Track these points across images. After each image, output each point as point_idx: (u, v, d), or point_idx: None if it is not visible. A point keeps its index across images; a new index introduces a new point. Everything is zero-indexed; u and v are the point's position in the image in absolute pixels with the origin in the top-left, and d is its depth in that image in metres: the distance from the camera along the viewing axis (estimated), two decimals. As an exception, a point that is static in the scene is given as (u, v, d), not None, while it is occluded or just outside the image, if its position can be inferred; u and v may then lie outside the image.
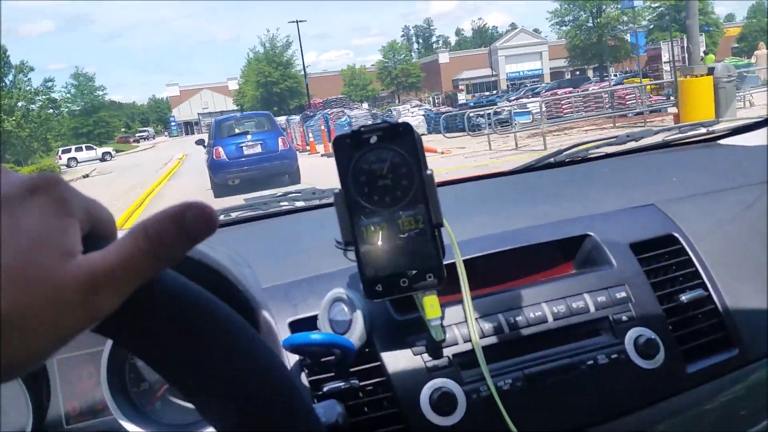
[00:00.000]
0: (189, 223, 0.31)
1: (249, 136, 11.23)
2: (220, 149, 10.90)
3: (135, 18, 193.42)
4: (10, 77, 38.75)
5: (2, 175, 0.30)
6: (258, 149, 11.03)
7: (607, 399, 0.75)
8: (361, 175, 0.66)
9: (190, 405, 0.83)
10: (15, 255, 0.27)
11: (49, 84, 45.15)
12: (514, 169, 1.58)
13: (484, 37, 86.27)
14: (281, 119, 29.11)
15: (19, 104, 37.04)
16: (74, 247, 0.29)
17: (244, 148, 10.95)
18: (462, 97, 40.12)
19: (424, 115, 21.18)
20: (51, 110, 44.42)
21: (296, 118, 27.64)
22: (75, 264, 0.28)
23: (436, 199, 0.66)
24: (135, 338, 0.34)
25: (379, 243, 0.66)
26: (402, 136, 0.66)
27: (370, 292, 0.67)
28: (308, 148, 19.19)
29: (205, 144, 12.34)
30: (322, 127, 19.49)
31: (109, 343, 0.79)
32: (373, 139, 0.66)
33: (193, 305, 0.35)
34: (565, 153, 1.54)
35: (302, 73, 51.54)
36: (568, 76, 56.40)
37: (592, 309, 0.79)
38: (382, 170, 0.66)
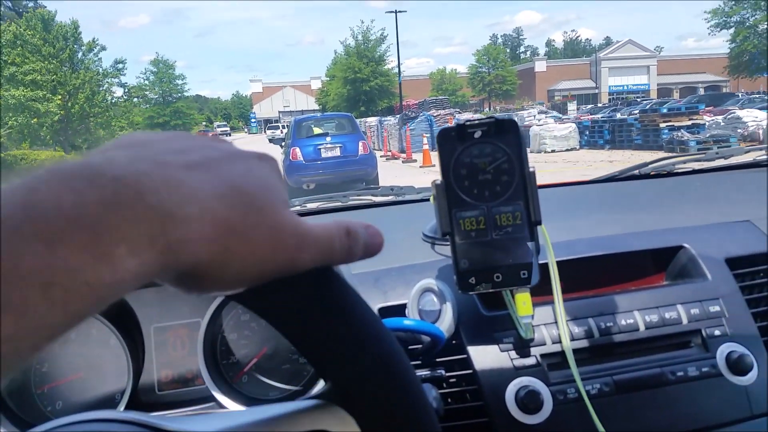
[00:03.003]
0: (370, 236, 0.40)
1: (328, 138, 11.10)
2: (298, 150, 10.83)
3: (228, 16, 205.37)
4: (80, 55, 36.77)
5: (228, 143, 0.37)
6: (337, 152, 10.91)
7: (696, 412, 0.76)
8: (463, 168, 0.71)
9: (274, 382, 0.91)
10: (250, 183, 0.32)
11: (120, 66, 42.16)
12: (597, 179, 1.61)
13: (576, 49, 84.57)
14: (372, 120, 27.39)
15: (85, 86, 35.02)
16: (288, 203, 0.35)
17: (322, 150, 10.86)
18: (572, 108, 38.39)
19: (575, 123, 18.15)
20: (122, 96, 42.86)
21: (391, 119, 25.31)
22: (292, 215, 0.34)
23: (537, 197, 0.70)
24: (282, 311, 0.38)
25: (476, 236, 0.71)
26: (506, 132, 0.71)
27: (463, 285, 0.72)
28: (401, 154, 18.35)
29: (282, 144, 12.43)
30: (407, 134, 18.31)
31: (208, 315, 0.88)
32: (478, 134, 0.71)
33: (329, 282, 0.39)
34: (651, 165, 1.57)
35: (394, 71, 49.43)
36: (676, 95, 54.19)
37: (684, 321, 0.82)
38: (484, 164, 0.71)
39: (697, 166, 1.61)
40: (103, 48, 39.32)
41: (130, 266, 0.26)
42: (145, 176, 0.27)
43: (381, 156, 19.11)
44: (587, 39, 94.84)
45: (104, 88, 37.84)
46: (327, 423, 0.39)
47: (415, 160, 15.95)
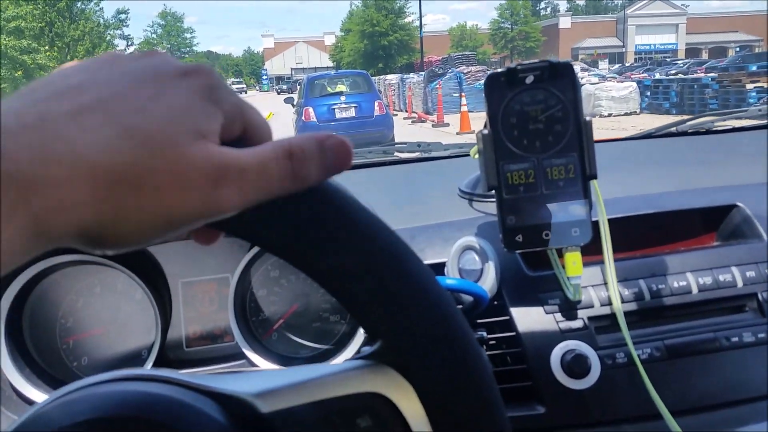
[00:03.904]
0: (329, 150, 0.33)
1: (343, 97, 10.89)
2: (311, 110, 10.60)
3: None
4: (79, 4, 34.69)
5: (162, 56, 0.32)
6: (352, 113, 10.70)
7: (750, 380, 0.74)
8: (512, 116, 0.68)
9: (304, 341, 0.90)
10: (149, 120, 0.28)
11: (122, 17, 40.30)
12: (632, 136, 1.57)
13: (598, 6, 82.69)
14: (392, 78, 25.72)
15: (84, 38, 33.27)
16: (209, 131, 0.30)
17: (336, 110, 10.67)
18: (603, 66, 37.23)
19: (637, 83, 15.77)
20: (127, 48, 41.14)
21: (414, 76, 22.96)
22: (206, 147, 0.30)
23: (593, 148, 0.67)
24: (279, 243, 0.35)
25: (524, 191, 0.68)
26: (561, 77, 0.67)
27: (509, 243, 0.69)
28: (429, 117, 16.49)
29: (294, 103, 12.16)
30: (439, 92, 16.34)
31: (238, 270, 0.86)
32: (529, 79, 0.67)
33: (347, 211, 0.36)
34: (689, 123, 1.53)
35: (414, 24, 47.31)
36: (705, 55, 52.94)
37: (740, 284, 0.79)
38: (536, 113, 0.67)
39: (737, 124, 1.56)
40: None
41: None
42: (10, 138, 0.25)
43: (404, 118, 18.11)
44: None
45: (106, 40, 36.36)
46: (379, 385, 0.37)
47: (448, 124, 14.37)
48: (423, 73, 23.07)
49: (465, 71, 18.86)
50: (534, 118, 0.67)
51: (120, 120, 0.28)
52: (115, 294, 0.89)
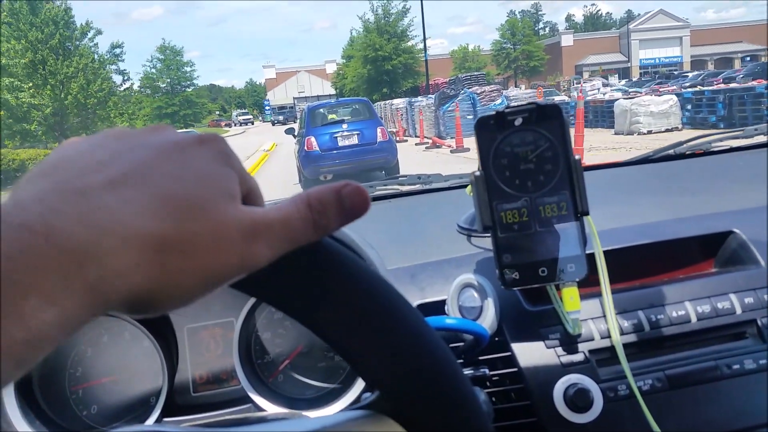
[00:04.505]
0: (346, 197, 0.36)
1: (345, 125, 10.80)
2: (313, 140, 10.53)
3: (240, 5, 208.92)
4: (72, 41, 33.96)
5: (171, 129, 0.35)
6: (354, 140, 10.50)
7: (754, 407, 0.75)
8: (503, 157, 0.71)
9: (310, 380, 0.92)
10: (183, 185, 0.30)
11: (117, 51, 39.70)
12: (630, 161, 1.59)
13: (596, 24, 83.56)
14: (399, 102, 24.97)
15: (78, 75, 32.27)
16: (237, 192, 0.33)
17: (339, 138, 10.58)
18: (614, 81, 37.39)
19: (677, 96, 14.59)
20: (122, 84, 40.40)
21: (423, 99, 22.19)
22: (237, 207, 0.32)
23: (583, 186, 0.69)
24: (282, 298, 0.37)
25: (519, 229, 0.71)
26: (549, 118, 0.70)
27: (506, 281, 0.71)
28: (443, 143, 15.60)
29: (296, 133, 12.08)
30: (457, 115, 15.37)
31: (242, 314, 0.89)
32: (518, 121, 0.70)
33: (345, 268, 0.38)
34: (686, 145, 1.56)
35: (417, 47, 46.39)
36: (711, 67, 53.08)
37: (738, 311, 0.80)
38: (526, 154, 0.70)
39: (735, 143, 1.59)
40: (99, 32, 36.83)
41: (47, 317, 0.25)
42: (55, 214, 0.26)
43: (417, 144, 17.61)
44: (608, 13, 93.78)
45: (101, 76, 35.29)
46: None
47: (468, 149, 13.63)
48: (431, 96, 22.30)
49: (478, 92, 18.49)
50: (524, 159, 0.70)
51: (155, 188, 0.29)
52: (123, 342, 0.92)
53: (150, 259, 0.28)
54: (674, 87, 20.04)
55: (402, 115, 23.12)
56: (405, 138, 20.56)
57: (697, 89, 16.10)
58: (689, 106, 14.42)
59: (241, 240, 0.32)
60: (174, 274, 0.29)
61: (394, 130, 20.86)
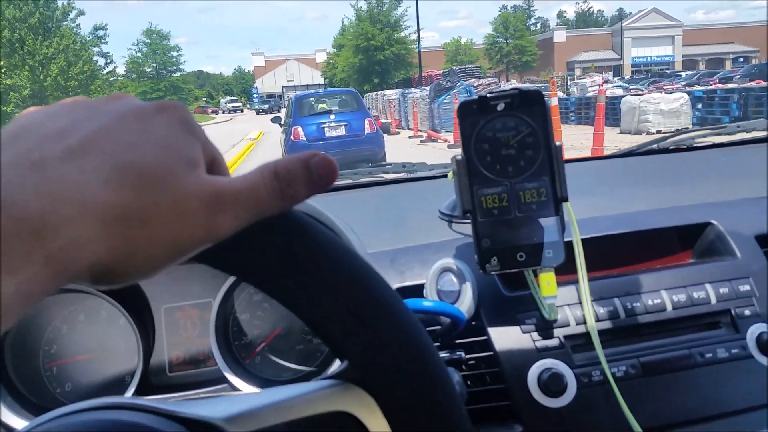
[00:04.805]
0: (314, 168, 0.36)
1: (332, 116, 10.92)
2: (300, 129, 10.64)
3: None
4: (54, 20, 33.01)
5: (131, 97, 0.35)
6: (342, 131, 10.74)
7: (725, 395, 0.77)
8: (485, 142, 0.71)
9: (287, 363, 0.93)
10: (143, 154, 0.30)
11: (100, 33, 38.36)
12: (615, 154, 1.62)
13: (588, 21, 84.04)
14: (392, 93, 24.43)
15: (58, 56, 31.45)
16: (199, 161, 0.33)
17: (326, 129, 10.70)
18: (612, 79, 37.29)
19: (687, 94, 13.74)
20: (106, 67, 39.48)
21: (416, 91, 21.56)
22: (200, 176, 0.32)
23: (563, 173, 0.70)
24: (250, 270, 0.38)
25: (498, 214, 0.72)
26: (531, 104, 0.71)
27: (484, 265, 0.72)
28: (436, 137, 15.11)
29: (282, 122, 12.19)
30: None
31: (220, 295, 0.89)
32: (501, 106, 0.71)
33: (315, 239, 0.38)
34: (669, 140, 1.59)
35: (410, 38, 45.88)
36: (702, 67, 53.46)
37: (713, 300, 0.82)
38: (507, 139, 0.71)
39: (717, 140, 1.62)
40: (81, 12, 35.59)
41: (6, 289, 0.25)
42: (14, 186, 0.26)
43: (410, 137, 17.15)
44: (599, 11, 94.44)
45: (83, 58, 34.30)
46: (346, 404, 0.40)
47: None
48: (425, 87, 21.90)
49: (475, 84, 17.94)
50: (506, 144, 0.71)
51: (114, 157, 0.29)
52: (99, 321, 0.92)
53: (111, 229, 0.28)
54: (678, 85, 19.52)
55: (394, 106, 22.71)
56: (397, 130, 20.09)
57: (709, 87, 15.53)
58: (700, 105, 13.68)
59: (205, 210, 0.31)
60: (136, 244, 0.29)
61: (388, 121, 20.40)
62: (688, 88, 16.78)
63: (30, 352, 0.90)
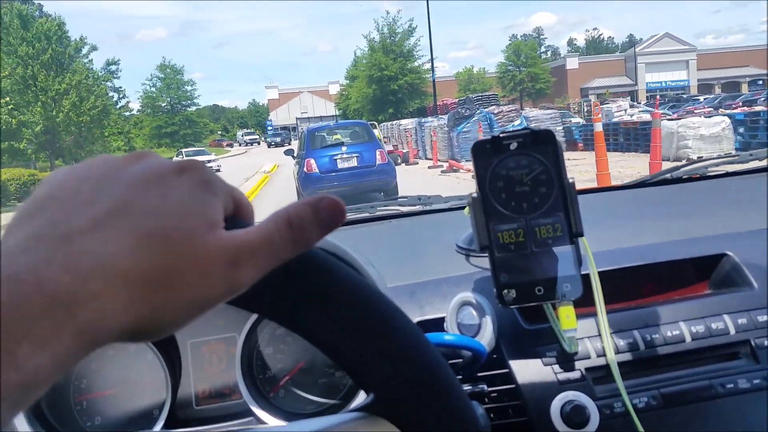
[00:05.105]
0: (323, 211, 0.38)
1: (344, 148, 11.11)
2: (312, 162, 10.89)
3: (244, 28, 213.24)
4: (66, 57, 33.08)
5: (153, 156, 0.37)
6: (354, 162, 10.96)
7: (746, 425, 0.78)
8: (499, 180, 0.75)
9: (311, 396, 0.95)
10: (164, 220, 0.32)
11: (113, 68, 39.13)
12: (627, 184, 1.64)
13: (598, 48, 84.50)
14: (408, 123, 24.10)
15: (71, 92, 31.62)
16: (218, 220, 0.35)
17: (338, 160, 10.93)
18: (624, 105, 36.87)
19: (729, 117, 12.87)
20: (119, 102, 39.70)
21: (433, 120, 21.61)
22: (220, 235, 0.34)
23: (577, 208, 0.73)
24: (276, 308, 0.40)
25: (515, 249, 0.74)
26: (543, 142, 0.74)
27: (503, 299, 0.75)
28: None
29: (295, 155, 12.47)
30: (480, 136, 14.08)
31: (245, 330, 0.92)
32: (513, 146, 0.74)
33: (336, 276, 0.40)
34: (682, 169, 1.60)
35: (424, 67, 45.68)
36: (718, 91, 53.35)
37: (732, 331, 0.83)
38: (521, 177, 0.74)
39: (730, 168, 1.63)
40: (94, 48, 35.70)
41: (41, 362, 0.26)
42: (42, 263, 0.28)
43: (430, 167, 17.08)
44: (610, 37, 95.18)
45: (95, 93, 34.23)
46: None
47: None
48: (442, 116, 21.42)
49: (495, 111, 17.76)
50: (520, 182, 0.74)
51: (137, 226, 0.31)
52: (127, 356, 0.95)
53: (136, 296, 0.30)
54: (709, 109, 19.02)
55: (411, 135, 22.42)
56: (415, 160, 19.90)
57: (752, 110, 14.47)
58: (742, 129, 12.78)
59: (226, 267, 0.33)
60: (162, 307, 0.31)
61: (407, 151, 20.17)
62: (727, 111, 16.06)
63: (61, 386, 0.93)
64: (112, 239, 0.30)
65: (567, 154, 15.63)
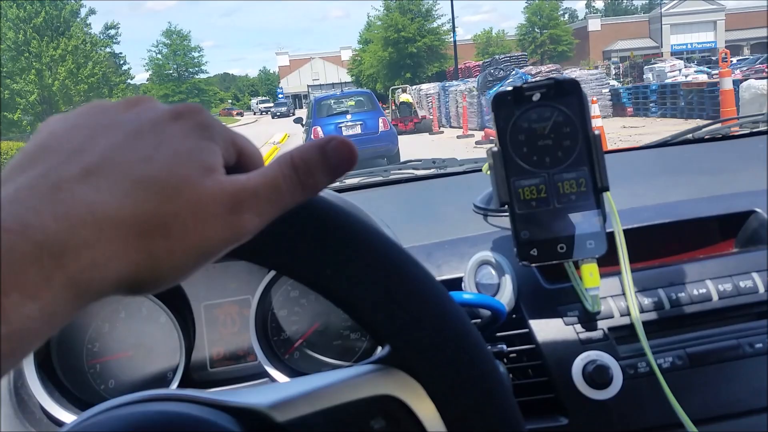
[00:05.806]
0: (331, 153, 0.36)
1: (349, 116, 12.08)
2: (319, 129, 11.76)
3: None
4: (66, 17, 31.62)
5: (149, 102, 0.36)
6: (357, 130, 11.78)
7: None
8: (521, 133, 0.73)
9: (325, 358, 0.95)
10: (159, 167, 0.31)
11: (112, 32, 37.38)
12: (648, 144, 1.62)
13: (617, 10, 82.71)
14: (430, 87, 22.73)
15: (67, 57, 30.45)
16: (216, 165, 0.34)
17: (343, 128, 11.74)
18: (678, 65, 35.33)
19: None
20: (119, 69, 38.45)
21: (459, 84, 19.97)
22: (217, 179, 0.33)
23: (603, 162, 0.72)
24: (291, 262, 0.39)
25: (537, 205, 0.73)
26: (567, 93, 0.72)
27: (524, 257, 0.74)
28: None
29: (303, 123, 13.44)
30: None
31: (258, 292, 0.93)
32: (536, 97, 0.72)
33: (353, 226, 0.40)
34: (705, 129, 1.59)
35: (444, 28, 43.82)
36: (746, 52, 52.29)
37: (761, 290, 0.82)
38: (544, 129, 0.73)
39: (754, 128, 1.61)
40: (92, 11, 34.31)
41: (29, 312, 0.26)
42: (30, 211, 0.27)
43: (458, 137, 16.18)
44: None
45: (92, 59, 32.85)
46: (391, 388, 0.41)
47: None
48: (466, 80, 20.15)
49: (533, 72, 16.33)
50: (542, 135, 0.72)
51: (129, 173, 0.30)
52: (140, 319, 0.96)
53: (131, 245, 0.29)
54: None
55: (435, 101, 21.24)
56: (440, 129, 18.77)
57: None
58: None
59: (226, 212, 0.32)
60: (159, 255, 0.30)
61: (429, 118, 19.17)
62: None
63: (74, 350, 0.94)
64: (104, 187, 0.29)
65: (618, 121, 15.40)
